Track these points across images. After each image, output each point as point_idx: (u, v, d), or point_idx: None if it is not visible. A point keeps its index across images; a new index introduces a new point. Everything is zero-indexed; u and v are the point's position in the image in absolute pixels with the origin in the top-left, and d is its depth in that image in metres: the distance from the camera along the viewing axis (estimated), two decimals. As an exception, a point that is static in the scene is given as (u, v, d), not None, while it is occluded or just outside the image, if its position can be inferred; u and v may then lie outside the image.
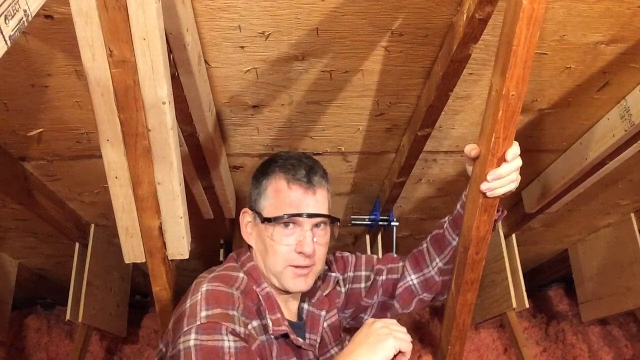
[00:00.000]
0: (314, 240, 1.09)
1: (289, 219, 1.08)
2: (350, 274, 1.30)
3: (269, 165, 1.15)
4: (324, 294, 1.23)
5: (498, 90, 0.89)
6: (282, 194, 1.10)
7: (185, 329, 0.97)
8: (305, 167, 1.11)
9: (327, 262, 1.29)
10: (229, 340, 0.95)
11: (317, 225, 1.11)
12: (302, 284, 1.11)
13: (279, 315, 1.09)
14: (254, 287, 1.10)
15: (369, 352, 0.93)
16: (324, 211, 1.12)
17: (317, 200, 1.10)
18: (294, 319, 1.16)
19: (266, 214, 1.11)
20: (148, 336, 2.81)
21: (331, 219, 1.13)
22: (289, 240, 1.09)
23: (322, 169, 1.15)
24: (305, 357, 1.12)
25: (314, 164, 1.15)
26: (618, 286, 2.31)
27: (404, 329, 0.99)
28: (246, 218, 1.17)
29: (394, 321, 1.01)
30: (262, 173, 1.15)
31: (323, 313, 1.20)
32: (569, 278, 2.66)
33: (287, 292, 1.13)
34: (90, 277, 2.02)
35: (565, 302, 3.01)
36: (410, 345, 0.97)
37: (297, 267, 1.09)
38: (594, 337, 2.84)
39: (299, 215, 1.08)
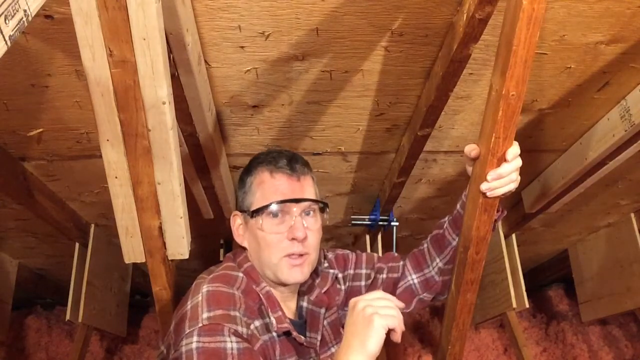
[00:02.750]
0: (305, 226, 1.09)
1: (276, 206, 1.09)
2: (351, 271, 1.31)
3: (251, 163, 1.18)
4: (323, 291, 1.23)
5: (498, 90, 0.89)
6: (266, 185, 1.12)
7: (187, 331, 0.96)
8: (285, 157, 1.14)
9: (327, 260, 1.29)
10: (231, 342, 0.95)
11: (306, 212, 1.12)
12: (298, 275, 1.11)
13: (280, 313, 1.09)
14: (254, 287, 1.11)
15: (360, 344, 0.90)
16: (311, 197, 1.13)
17: (302, 186, 1.12)
18: (294, 317, 1.16)
19: (254, 207, 1.12)
20: (148, 336, 2.81)
21: (319, 204, 1.14)
22: (280, 228, 1.09)
23: (303, 159, 1.17)
24: (307, 355, 1.12)
25: (294, 154, 1.17)
26: (618, 286, 2.31)
27: (389, 302, 0.94)
28: (237, 221, 1.18)
29: (377, 294, 0.96)
30: (246, 172, 1.17)
31: (322, 311, 1.20)
32: (569, 278, 2.66)
33: (283, 285, 1.13)
34: (90, 277, 2.02)
35: (565, 302, 3.01)
36: (396, 320, 0.92)
37: (291, 256, 1.09)
38: (594, 337, 2.84)
39: (285, 201, 1.09)
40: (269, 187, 1.11)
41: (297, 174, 1.12)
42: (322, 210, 1.15)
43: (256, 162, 1.16)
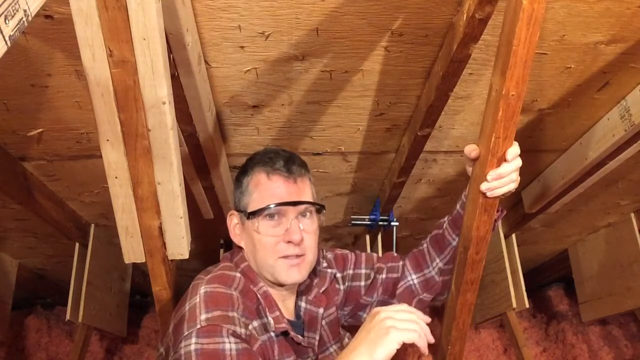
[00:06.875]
0: (301, 228, 1.09)
1: (272, 209, 1.08)
2: (350, 271, 1.30)
3: (248, 163, 1.17)
4: (321, 291, 1.23)
5: (498, 90, 0.89)
6: (262, 187, 1.11)
7: (186, 333, 0.96)
8: (282, 158, 1.13)
9: (326, 260, 1.29)
10: (230, 343, 0.95)
11: (303, 214, 1.11)
12: (296, 275, 1.10)
13: (278, 313, 1.09)
14: (251, 287, 1.11)
15: (368, 350, 0.88)
16: (308, 199, 1.12)
17: (299, 188, 1.11)
18: (291, 317, 1.16)
19: (250, 209, 1.11)
20: (148, 336, 2.81)
21: (315, 206, 1.14)
22: (276, 231, 1.09)
23: (300, 159, 1.16)
24: (305, 355, 1.12)
25: (292, 155, 1.16)
26: (618, 286, 2.31)
27: (412, 316, 0.92)
28: (233, 220, 1.18)
29: (402, 307, 0.94)
30: (242, 172, 1.17)
31: (321, 311, 1.20)
32: (569, 278, 2.65)
33: (281, 285, 1.13)
34: (90, 277, 2.02)
35: (565, 302, 3.01)
36: (415, 335, 0.89)
37: (288, 257, 1.09)
38: (594, 337, 2.84)
39: (282, 204, 1.08)
40: (266, 189, 1.11)
41: (294, 176, 1.12)
42: (318, 211, 1.15)
43: (252, 162, 1.16)
